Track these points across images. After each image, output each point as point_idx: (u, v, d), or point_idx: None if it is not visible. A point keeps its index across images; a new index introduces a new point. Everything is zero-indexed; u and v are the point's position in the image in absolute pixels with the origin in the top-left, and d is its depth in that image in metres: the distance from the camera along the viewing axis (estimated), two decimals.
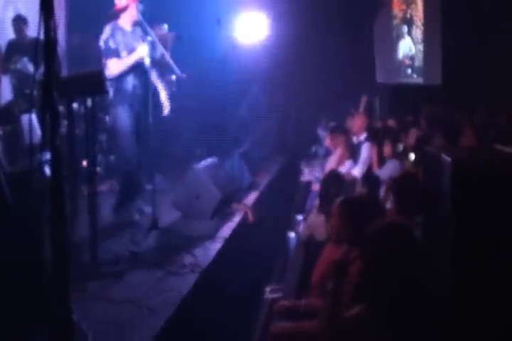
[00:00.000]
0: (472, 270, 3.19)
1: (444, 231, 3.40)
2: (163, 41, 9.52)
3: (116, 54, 6.56)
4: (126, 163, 6.76)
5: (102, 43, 6.60)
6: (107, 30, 6.61)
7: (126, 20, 6.68)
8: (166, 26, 9.77)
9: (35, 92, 5.43)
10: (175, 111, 9.42)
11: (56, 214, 3.27)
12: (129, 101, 6.68)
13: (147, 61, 6.43)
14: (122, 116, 6.70)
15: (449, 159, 3.34)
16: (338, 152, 8.56)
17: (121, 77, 6.65)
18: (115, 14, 6.72)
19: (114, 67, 6.52)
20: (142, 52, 6.50)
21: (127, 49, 6.62)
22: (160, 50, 6.80)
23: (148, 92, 6.45)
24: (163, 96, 6.97)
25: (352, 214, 4.23)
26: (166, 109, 7.04)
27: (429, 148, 4.70)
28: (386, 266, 3.40)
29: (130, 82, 6.68)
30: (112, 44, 6.56)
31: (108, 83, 6.50)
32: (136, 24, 6.68)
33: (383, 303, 3.32)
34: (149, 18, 6.78)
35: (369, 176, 6.54)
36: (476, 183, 3.21)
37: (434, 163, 3.67)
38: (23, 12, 9.28)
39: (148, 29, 6.54)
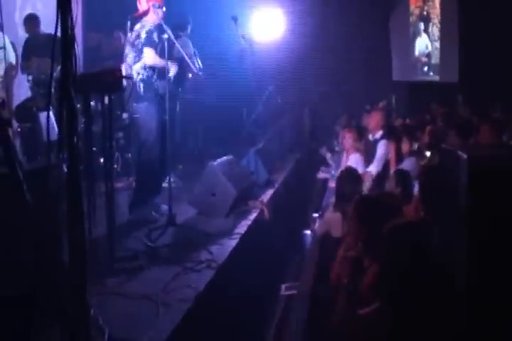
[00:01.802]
0: (488, 267, 3.18)
1: (460, 228, 3.39)
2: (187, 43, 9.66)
3: (156, 48, 6.64)
4: (151, 159, 6.77)
5: (143, 35, 6.67)
6: (148, 24, 6.71)
7: (147, 24, 6.74)
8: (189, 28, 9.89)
9: (53, 90, 5.48)
10: (191, 109, 9.49)
11: (73, 211, 3.30)
12: (153, 99, 6.71)
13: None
14: (148, 114, 6.72)
15: (465, 156, 3.33)
16: (347, 150, 8.56)
17: (144, 75, 6.71)
18: (138, 18, 6.80)
19: (150, 57, 6.62)
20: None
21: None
22: (177, 48, 6.85)
23: (166, 91, 6.50)
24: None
25: (367, 213, 4.23)
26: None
27: (445, 145, 4.70)
28: (403, 264, 3.41)
29: (153, 80, 6.72)
30: (155, 37, 6.66)
31: (130, 81, 6.61)
32: (157, 26, 6.73)
33: (399, 301, 3.33)
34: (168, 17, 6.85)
35: (401, 173, 6.48)
36: (492, 179, 3.21)
37: (450, 159, 3.66)
38: (41, 10, 9.34)
39: (165, 27, 6.59)
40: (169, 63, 6.63)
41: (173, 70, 6.73)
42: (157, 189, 6.99)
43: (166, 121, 6.57)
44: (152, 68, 6.68)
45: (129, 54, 6.77)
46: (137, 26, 6.76)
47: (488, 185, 3.20)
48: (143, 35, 6.65)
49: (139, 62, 6.69)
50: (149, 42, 6.66)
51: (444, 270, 3.53)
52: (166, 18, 6.79)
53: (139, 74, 6.69)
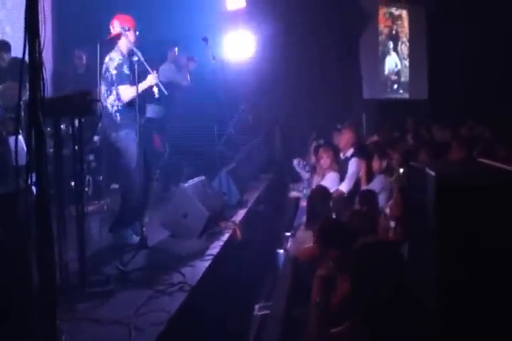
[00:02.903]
0: (458, 282, 3.21)
1: (429, 244, 3.42)
2: (176, 62, 9.76)
3: (129, 80, 6.63)
4: (135, 184, 6.72)
5: (113, 70, 6.63)
6: (117, 57, 6.68)
7: (124, 47, 6.77)
8: (176, 49, 10.00)
9: (22, 114, 5.44)
10: (163, 129, 9.50)
11: (43, 235, 3.28)
12: (134, 125, 6.67)
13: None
14: (134, 141, 6.67)
15: (433, 173, 3.37)
16: (323, 168, 8.60)
17: (118, 106, 6.70)
18: (110, 41, 6.81)
19: (126, 93, 6.57)
20: (152, 80, 6.66)
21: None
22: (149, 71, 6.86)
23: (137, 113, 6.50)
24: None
25: (332, 235, 4.26)
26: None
27: (414, 163, 4.74)
28: (373, 282, 3.42)
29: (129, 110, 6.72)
30: (125, 70, 6.63)
31: (116, 107, 6.60)
32: (131, 50, 6.76)
33: (371, 318, 3.33)
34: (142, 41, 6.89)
35: (364, 193, 6.53)
36: (459, 197, 3.24)
37: (418, 177, 3.70)
38: (9, 34, 9.30)
39: (139, 53, 6.62)
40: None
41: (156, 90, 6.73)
42: (140, 213, 6.94)
43: (145, 146, 6.58)
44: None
45: (102, 86, 6.78)
46: (106, 58, 6.76)
47: (456, 202, 3.23)
48: (112, 71, 6.64)
49: (112, 95, 6.67)
50: (121, 78, 6.64)
51: (415, 286, 3.55)
52: (149, 42, 6.85)
53: (113, 106, 6.67)
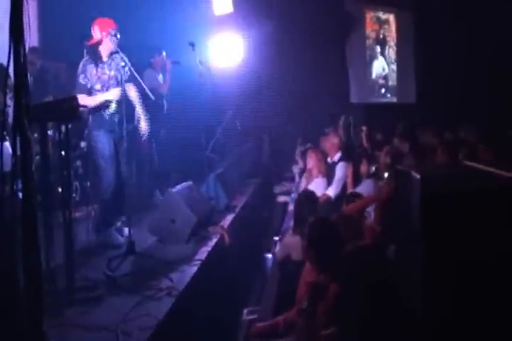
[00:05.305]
0: (442, 284, 3.22)
1: (414, 248, 3.43)
2: (163, 67, 9.76)
3: (85, 90, 6.70)
4: (107, 186, 6.76)
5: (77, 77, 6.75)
6: (80, 65, 6.76)
7: (104, 52, 6.83)
8: (164, 53, 9.98)
9: (9, 120, 5.40)
10: (150, 135, 9.48)
11: (28, 242, 3.28)
12: (107, 127, 6.75)
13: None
14: (102, 141, 6.74)
15: (418, 176, 3.39)
16: (311, 171, 8.60)
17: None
18: (92, 47, 6.84)
19: (84, 102, 6.55)
20: (112, 96, 6.71)
21: (101, 81, 6.76)
22: (135, 76, 6.85)
23: (123, 118, 6.49)
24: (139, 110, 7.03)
25: (317, 237, 4.23)
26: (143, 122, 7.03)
27: (401, 166, 4.77)
28: (358, 287, 3.44)
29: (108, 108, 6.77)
30: (81, 80, 6.71)
31: (86, 110, 6.62)
32: (113, 54, 6.79)
33: (356, 323, 3.35)
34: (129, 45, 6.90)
35: (350, 196, 6.54)
36: (444, 199, 3.26)
37: (404, 180, 3.72)
38: None
39: (125, 58, 6.62)
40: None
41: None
42: (118, 212, 6.99)
43: (118, 148, 6.63)
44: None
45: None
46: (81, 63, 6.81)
47: (441, 204, 3.25)
48: (90, 72, 6.74)
49: None
50: (77, 87, 6.74)
51: (400, 290, 3.56)
52: (134, 47, 6.87)
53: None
